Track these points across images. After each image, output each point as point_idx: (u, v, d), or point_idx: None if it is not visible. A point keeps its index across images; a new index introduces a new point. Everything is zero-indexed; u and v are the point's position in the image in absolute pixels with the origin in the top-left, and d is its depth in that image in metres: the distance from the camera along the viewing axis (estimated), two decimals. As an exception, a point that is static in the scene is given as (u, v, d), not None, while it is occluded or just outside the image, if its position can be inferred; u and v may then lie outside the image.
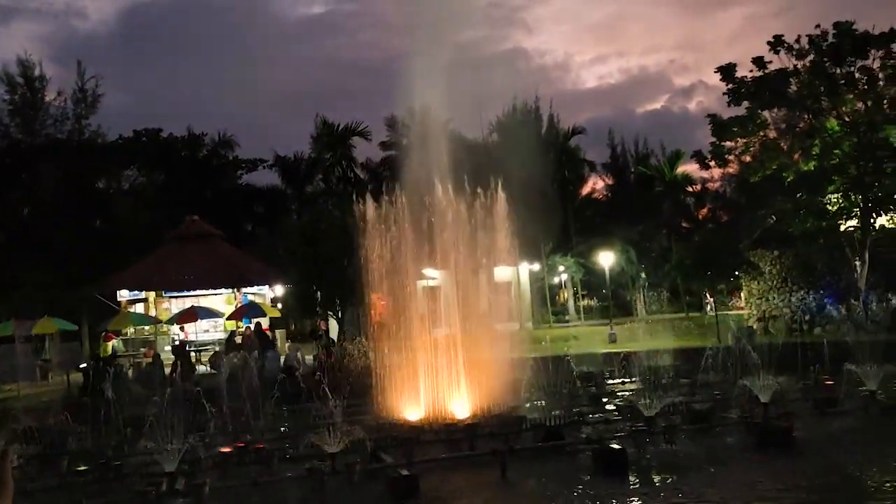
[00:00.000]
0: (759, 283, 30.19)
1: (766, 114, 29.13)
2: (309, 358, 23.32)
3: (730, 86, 28.59)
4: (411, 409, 13.57)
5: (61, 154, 39.16)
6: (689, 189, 52.19)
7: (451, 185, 17.30)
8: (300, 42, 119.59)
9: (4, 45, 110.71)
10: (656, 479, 9.75)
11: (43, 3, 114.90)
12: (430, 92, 17.85)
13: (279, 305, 33.83)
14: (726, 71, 28.64)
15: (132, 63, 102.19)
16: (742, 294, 40.82)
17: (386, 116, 51.88)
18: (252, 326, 25.91)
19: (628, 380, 16.66)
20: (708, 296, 34.96)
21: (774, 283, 29.73)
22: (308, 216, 42.25)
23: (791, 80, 27.74)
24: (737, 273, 30.20)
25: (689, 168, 48.18)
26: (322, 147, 52.06)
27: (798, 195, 27.79)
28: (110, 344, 27.39)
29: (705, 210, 53.63)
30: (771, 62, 27.78)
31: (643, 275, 47.67)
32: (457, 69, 17.71)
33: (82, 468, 10.73)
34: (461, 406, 13.40)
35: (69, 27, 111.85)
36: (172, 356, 24.97)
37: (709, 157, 30.70)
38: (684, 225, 52.67)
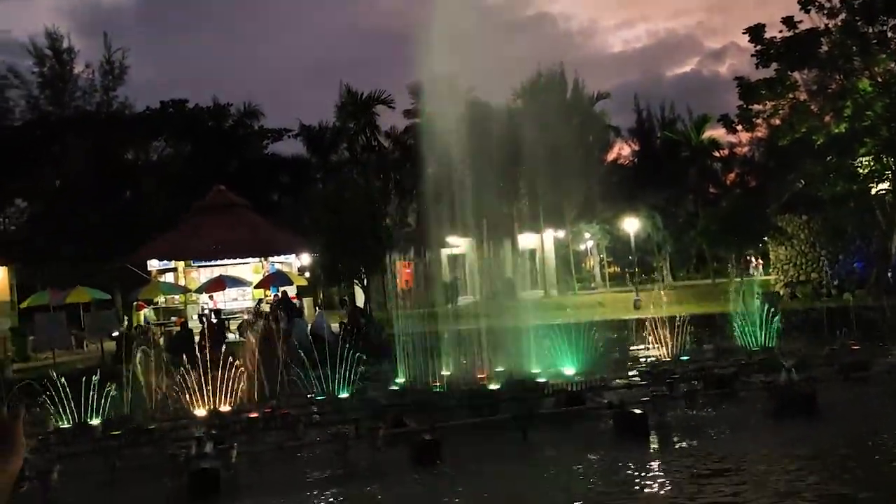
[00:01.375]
0: (786, 248, 29.86)
1: (796, 75, 28.55)
2: (335, 326, 23.58)
3: (758, 47, 28.04)
4: (434, 375, 13.72)
5: (90, 126, 39.63)
6: (716, 154, 51.49)
7: (474, 153, 17.29)
8: (324, 10, 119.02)
9: (31, 18, 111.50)
10: (677, 443, 9.82)
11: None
12: (453, 59, 17.76)
13: (306, 274, 34.17)
14: (755, 32, 28.05)
15: (158, 34, 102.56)
16: (752, 260, 40.36)
17: (409, 84, 51.68)
18: (280, 295, 26.26)
19: (651, 346, 16.65)
20: (734, 262, 34.67)
21: (802, 247, 29.38)
22: (333, 185, 42.44)
23: (822, 40, 27.09)
24: (764, 238, 29.90)
25: (717, 133, 47.54)
26: (346, 116, 52.00)
27: (828, 158, 27.31)
28: (142, 313, 27.98)
29: (733, 175, 52.86)
30: (801, 22, 27.17)
31: (669, 241, 47.36)
32: (480, 35, 17.56)
33: (116, 433, 11.06)
34: (483, 372, 13.52)
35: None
36: (201, 324, 25.40)
37: (736, 120, 30.23)
38: (711, 190, 52.04)
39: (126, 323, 29.09)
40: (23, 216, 45.41)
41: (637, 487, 8.01)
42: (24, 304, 31.35)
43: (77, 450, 10.50)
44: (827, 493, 7.49)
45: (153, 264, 32.34)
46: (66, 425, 11.75)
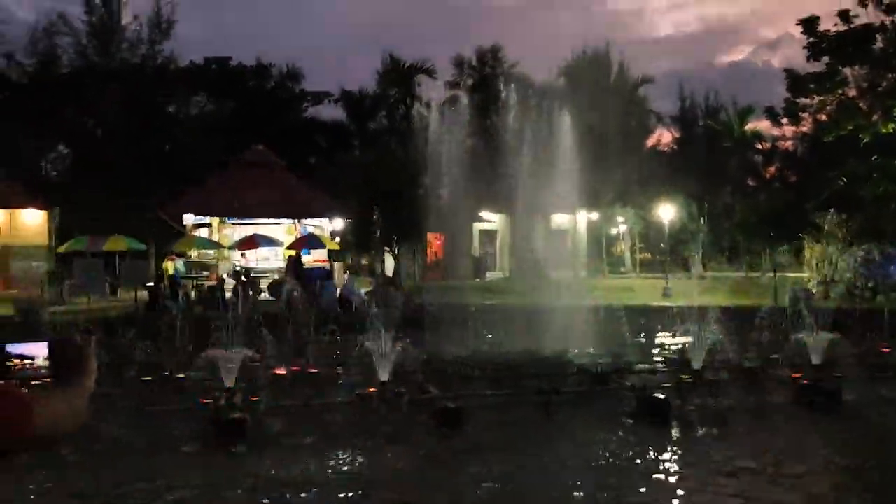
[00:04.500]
0: (822, 245, 29.43)
1: (846, 71, 27.98)
2: (363, 290, 23.80)
3: (811, 40, 27.49)
4: (461, 346, 13.87)
5: (134, 78, 40.08)
6: (758, 146, 50.72)
7: (512, 127, 17.27)
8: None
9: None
10: (698, 430, 9.87)
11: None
12: (499, 32, 17.67)
13: (338, 238, 34.47)
14: (808, 24, 27.49)
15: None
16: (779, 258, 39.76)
17: (452, 56, 51.50)
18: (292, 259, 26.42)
19: (679, 333, 16.65)
20: (767, 256, 34.27)
21: (839, 246, 28.94)
22: (370, 152, 42.60)
23: (877, 36, 26.50)
24: (800, 235, 29.51)
25: (761, 125, 46.79)
26: (387, 84, 52.07)
27: (873, 158, 26.81)
28: (171, 264, 28.43)
29: (773, 169, 52.09)
30: (857, 16, 26.56)
31: (704, 231, 46.90)
32: (527, 10, 17.43)
33: (146, 379, 11.38)
34: (510, 347, 13.64)
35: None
36: (233, 281, 25.79)
37: (781, 113, 29.75)
38: (750, 183, 51.33)
39: (156, 273, 29.65)
40: (64, 162, 46.26)
41: (651, 469, 8.11)
42: (61, 249, 32.07)
43: (106, 391, 10.81)
44: (844, 487, 7.52)
45: (188, 218, 32.82)
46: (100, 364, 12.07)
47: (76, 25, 42.05)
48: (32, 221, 33.66)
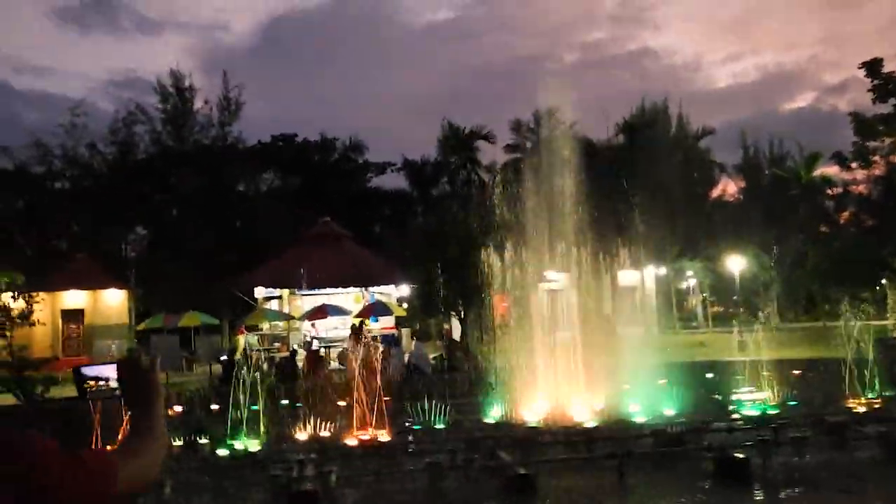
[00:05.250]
0: (906, 290, 28.26)
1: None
2: (431, 356, 23.82)
3: (875, 82, 27.01)
4: (530, 410, 13.69)
5: (206, 159, 41.85)
6: (829, 192, 49.43)
7: (574, 188, 17.28)
8: (428, 48, 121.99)
9: (156, 57, 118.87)
10: (783, 491, 9.44)
11: (191, 17, 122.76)
12: (555, 94, 17.88)
13: (404, 305, 34.72)
14: (871, 66, 27.08)
15: (270, 72, 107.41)
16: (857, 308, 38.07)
17: (511, 119, 52.21)
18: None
19: (756, 388, 16.08)
20: (846, 305, 32.98)
21: (923, 292, 27.76)
22: (433, 218, 43.11)
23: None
24: (882, 281, 28.42)
25: (830, 170, 45.67)
26: (448, 150, 53.01)
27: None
28: (242, 338, 29.03)
29: (847, 213, 50.52)
30: (923, 56, 26.04)
31: (776, 281, 45.57)
32: (583, 70, 17.63)
33: (222, 453, 11.56)
34: (580, 409, 13.39)
35: (214, 39, 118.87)
36: (304, 351, 26.15)
37: (850, 157, 29.09)
38: (822, 229, 49.86)
39: (228, 347, 30.29)
40: (142, 242, 48.21)
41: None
42: (140, 327, 33.19)
43: (186, 466, 11.03)
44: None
45: (259, 291, 33.63)
46: (178, 442, 12.35)
47: (152, 113, 44.39)
48: (114, 301, 35.07)
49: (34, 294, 23.83)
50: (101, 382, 2.38)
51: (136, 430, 1.86)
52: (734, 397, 16.54)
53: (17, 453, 1.46)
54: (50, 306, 32.36)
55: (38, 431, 1.65)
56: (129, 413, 1.96)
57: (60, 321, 35.22)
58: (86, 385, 2.42)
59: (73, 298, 35.20)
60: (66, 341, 35.40)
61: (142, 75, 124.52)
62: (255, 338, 30.53)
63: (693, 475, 10.16)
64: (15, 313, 22.01)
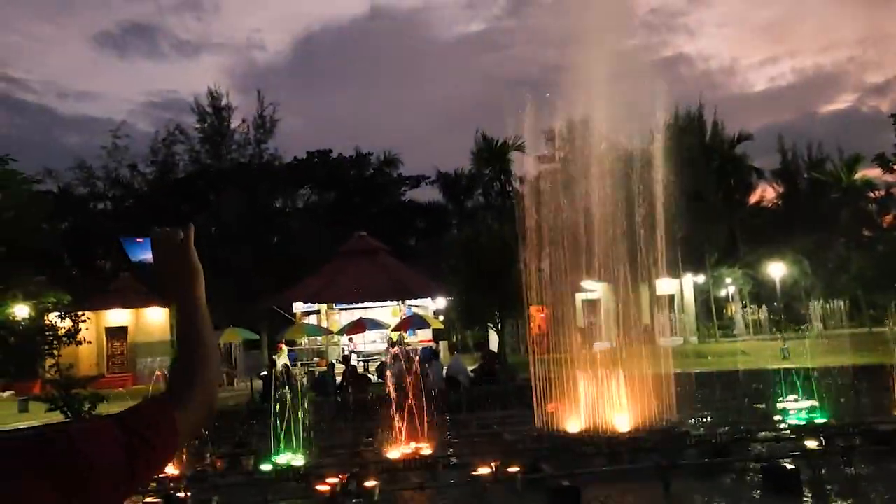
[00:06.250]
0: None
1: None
2: (469, 368, 23.77)
3: (916, 82, 26.47)
4: (571, 421, 13.61)
5: (243, 176, 42.46)
6: (871, 195, 48.44)
7: (611, 196, 17.19)
8: (460, 60, 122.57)
9: (194, 78, 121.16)
10: (833, 502, 9.26)
11: (227, 38, 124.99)
12: (589, 103, 17.81)
13: (441, 317, 34.76)
14: (912, 66, 26.54)
15: (305, 88, 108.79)
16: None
17: (544, 129, 52.11)
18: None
19: (802, 397, 15.81)
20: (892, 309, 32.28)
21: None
22: (468, 230, 43.14)
23: None
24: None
25: (872, 173, 44.79)
26: (481, 162, 53.08)
27: None
28: (282, 353, 29.28)
29: (889, 217, 49.46)
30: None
31: (819, 287, 44.72)
32: (616, 78, 17.55)
33: (265, 468, 11.68)
34: (622, 419, 13.29)
35: (250, 58, 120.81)
36: (343, 366, 26.29)
37: (892, 159, 28.53)
38: (865, 233, 48.86)
39: (268, 363, 30.57)
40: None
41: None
42: (182, 343, 33.60)
43: (231, 481, 11.17)
44: None
45: (298, 306, 33.94)
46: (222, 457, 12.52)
47: (190, 133, 45.21)
48: (156, 319, 35.66)
49: (80, 313, 24.34)
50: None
51: (182, 351, 1.59)
52: (780, 406, 16.29)
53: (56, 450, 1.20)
54: (95, 325, 33.01)
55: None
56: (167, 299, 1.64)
57: (105, 339, 35.94)
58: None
59: (117, 317, 35.90)
60: (110, 359, 36.09)
61: (180, 96, 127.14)
62: (293, 352, 30.75)
63: (740, 485, 10.01)
64: (62, 332, 22.51)
